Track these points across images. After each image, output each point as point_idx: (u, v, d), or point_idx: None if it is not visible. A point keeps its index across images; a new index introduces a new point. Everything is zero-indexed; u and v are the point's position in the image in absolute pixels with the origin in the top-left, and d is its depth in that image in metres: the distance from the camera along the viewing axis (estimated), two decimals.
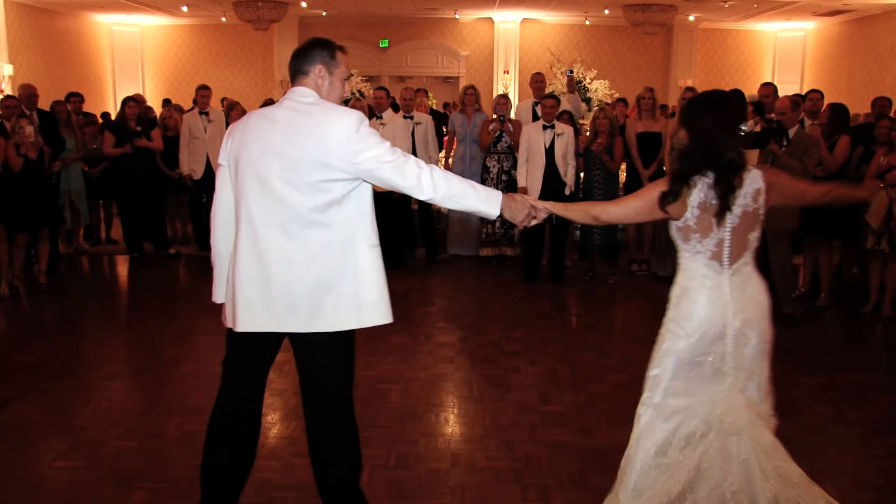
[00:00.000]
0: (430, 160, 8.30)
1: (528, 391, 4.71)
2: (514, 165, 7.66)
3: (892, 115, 7.54)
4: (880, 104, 7.69)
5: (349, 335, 2.78)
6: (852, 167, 6.51)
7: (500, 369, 5.09)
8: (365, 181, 2.69)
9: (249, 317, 2.73)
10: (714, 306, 2.77)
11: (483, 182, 7.98)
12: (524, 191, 7.32)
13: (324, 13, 16.53)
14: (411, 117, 8.04)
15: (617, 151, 7.36)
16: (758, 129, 5.96)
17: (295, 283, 2.66)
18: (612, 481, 3.55)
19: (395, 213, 7.84)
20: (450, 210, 8.32)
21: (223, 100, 10.66)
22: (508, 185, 7.60)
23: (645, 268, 7.84)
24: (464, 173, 8.16)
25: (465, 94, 8.39)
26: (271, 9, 14.92)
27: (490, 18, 16.93)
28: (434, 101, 12.02)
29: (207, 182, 8.75)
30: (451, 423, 4.23)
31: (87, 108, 10.11)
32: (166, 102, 14.08)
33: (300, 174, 2.62)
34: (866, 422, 4.34)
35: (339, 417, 2.86)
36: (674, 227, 2.79)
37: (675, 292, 2.87)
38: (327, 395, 2.83)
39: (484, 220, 8.05)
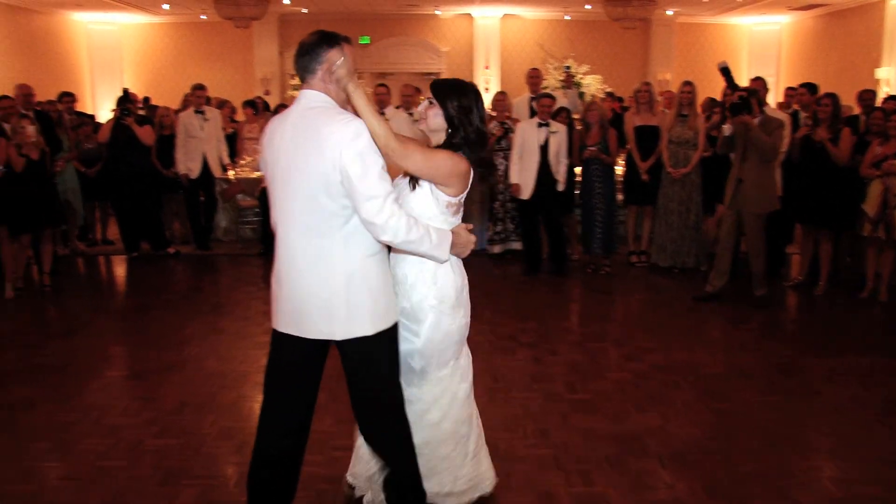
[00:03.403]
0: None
1: (553, 380, 4.81)
2: None
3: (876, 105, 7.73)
4: (866, 96, 7.89)
5: (375, 340, 2.75)
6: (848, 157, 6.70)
7: (520, 360, 5.19)
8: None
9: (277, 318, 2.81)
10: (459, 271, 3.08)
11: (489, 179, 8.07)
12: (517, 188, 7.42)
13: (305, 10, 16.50)
14: (412, 113, 8.11)
15: (612, 144, 7.50)
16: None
17: (304, 290, 2.71)
18: (649, 464, 3.70)
19: None
20: None
21: (208, 99, 10.62)
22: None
23: (645, 259, 7.98)
24: None
25: None
26: (252, 6, 14.83)
27: (470, 14, 17.00)
28: (423, 98, 12.08)
29: (204, 181, 8.76)
30: (485, 414, 4.30)
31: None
32: (146, 101, 13.99)
33: (310, 185, 2.61)
34: (882, 402, 4.51)
35: (383, 424, 2.90)
36: (446, 201, 2.86)
37: (429, 268, 2.93)
38: (364, 402, 2.87)
39: (491, 218, 8.14)
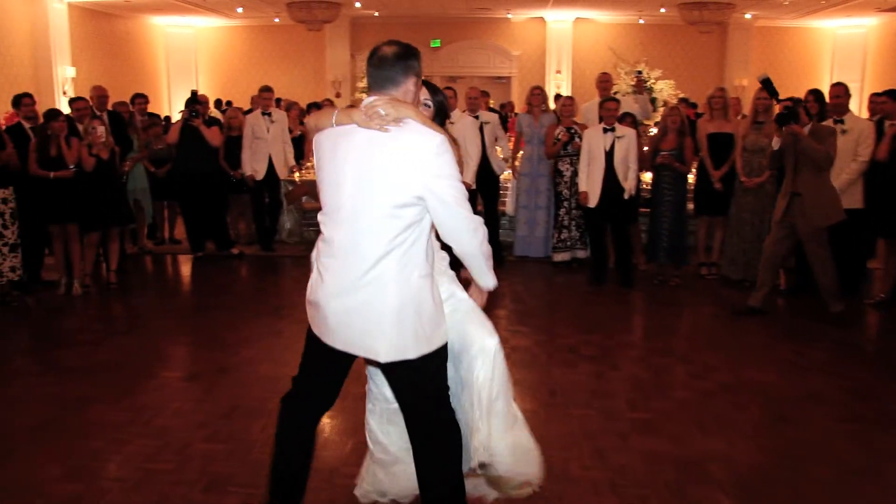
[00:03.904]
0: (502, 156, 8.27)
1: (614, 397, 4.61)
2: None
3: None
4: None
5: (420, 362, 2.64)
6: None
7: (581, 374, 4.99)
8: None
9: (318, 327, 2.75)
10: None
11: (556, 186, 7.88)
12: (585, 196, 7.22)
13: (376, 13, 16.57)
14: (478, 116, 7.99)
15: (687, 153, 7.21)
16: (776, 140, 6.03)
17: (353, 308, 2.64)
18: (711, 492, 3.47)
19: None
20: (518, 211, 8.23)
21: (278, 100, 10.71)
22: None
23: (715, 271, 7.66)
24: (531, 175, 8.08)
25: (532, 94, 8.29)
26: (324, 9, 15.00)
27: (542, 18, 16.81)
28: (493, 101, 11.94)
29: (269, 182, 8.81)
30: (539, 431, 4.13)
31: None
32: (218, 103, 14.26)
33: (385, 200, 2.53)
34: None
35: (433, 442, 2.77)
36: None
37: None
38: (413, 421, 2.78)
39: (556, 225, 7.95)
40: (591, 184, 7.19)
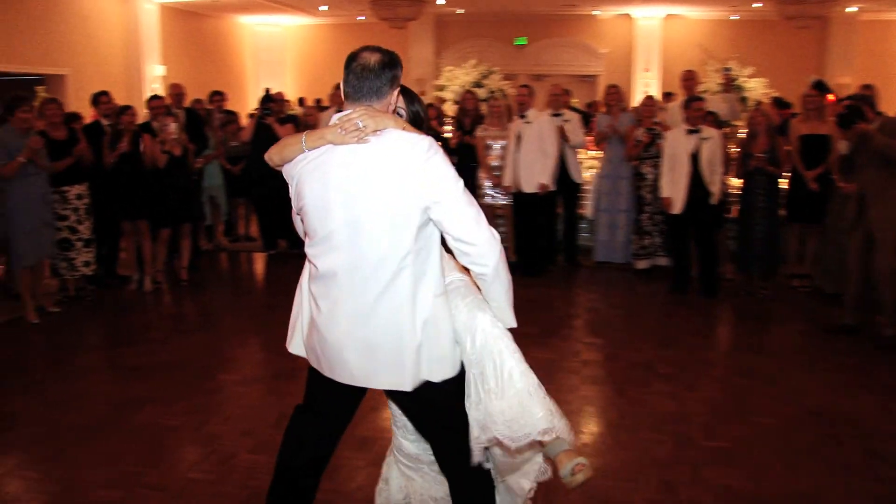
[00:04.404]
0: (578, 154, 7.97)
1: (688, 421, 4.24)
2: None
3: None
4: None
5: (442, 385, 2.42)
6: None
7: (654, 394, 4.63)
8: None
9: (322, 364, 2.53)
10: None
11: (637, 190, 7.50)
12: (668, 202, 6.83)
13: (460, 11, 16.37)
14: (560, 114, 7.66)
15: (780, 153, 6.71)
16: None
17: (366, 338, 2.42)
18: None
19: (538, 217, 7.49)
20: (597, 213, 7.87)
21: None
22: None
23: (807, 283, 7.13)
24: (611, 176, 7.72)
25: (608, 93, 7.93)
26: (408, 6, 14.85)
27: (629, 15, 16.27)
28: (577, 101, 11.55)
29: None
30: (603, 456, 3.83)
31: (231, 106, 10.32)
32: (301, 101, 14.34)
33: (387, 215, 2.33)
34: None
35: (455, 465, 2.53)
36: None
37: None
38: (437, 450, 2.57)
39: (637, 230, 7.56)
40: (674, 189, 6.78)
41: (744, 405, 4.49)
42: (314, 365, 2.51)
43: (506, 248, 8.26)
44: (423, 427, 2.55)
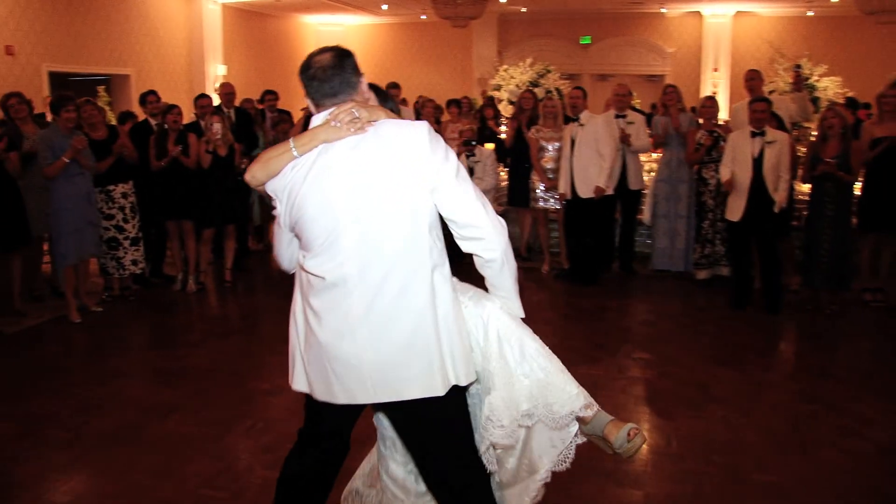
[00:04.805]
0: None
1: (740, 452, 3.87)
2: None
3: None
4: None
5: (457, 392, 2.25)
6: None
7: (705, 419, 4.28)
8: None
9: (333, 390, 2.36)
10: None
11: (699, 195, 7.10)
12: (729, 181, 6.35)
13: (523, 9, 16.09)
14: (624, 116, 7.31)
15: (853, 159, 6.23)
16: None
17: (387, 346, 2.26)
18: None
19: (594, 222, 7.15)
20: (656, 219, 7.49)
21: (420, 97, 10.50)
22: (727, 198, 6.60)
23: (881, 298, 6.62)
24: (670, 179, 7.36)
25: (666, 93, 7.54)
26: (470, 5, 14.65)
27: (698, 12, 15.73)
28: (639, 101, 11.15)
29: None
30: (644, 487, 3.53)
31: (289, 105, 10.28)
32: None
33: (394, 209, 2.23)
34: None
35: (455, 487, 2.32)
36: None
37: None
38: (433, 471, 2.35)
39: (698, 238, 7.16)
40: (733, 196, 6.36)
41: (804, 436, 4.09)
42: (321, 396, 2.29)
43: (557, 255, 7.85)
44: (423, 444, 2.31)
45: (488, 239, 2.17)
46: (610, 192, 7.12)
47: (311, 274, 2.21)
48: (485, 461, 2.33)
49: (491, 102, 10.36)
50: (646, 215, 7.80)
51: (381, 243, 2.12)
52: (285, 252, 2.39)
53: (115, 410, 4.46)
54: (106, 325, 6.16)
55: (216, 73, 14.22)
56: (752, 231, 6.37)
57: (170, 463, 3.76)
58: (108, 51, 11.89)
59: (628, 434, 2.24)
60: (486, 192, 8.12)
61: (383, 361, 2.15)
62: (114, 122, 8.00)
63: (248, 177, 2.26)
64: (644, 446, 2.23)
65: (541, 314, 6.57)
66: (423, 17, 16.79)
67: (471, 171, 7.95)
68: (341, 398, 2.23)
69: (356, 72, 2.25)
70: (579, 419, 2.32)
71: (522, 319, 2.35)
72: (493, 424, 2.26)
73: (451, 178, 2.13)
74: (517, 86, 11.37)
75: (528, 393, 2.25)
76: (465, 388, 2.28)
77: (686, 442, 4.01)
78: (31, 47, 10.29)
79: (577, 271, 7.32)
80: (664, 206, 7.49)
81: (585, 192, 7.03)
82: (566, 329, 6.20)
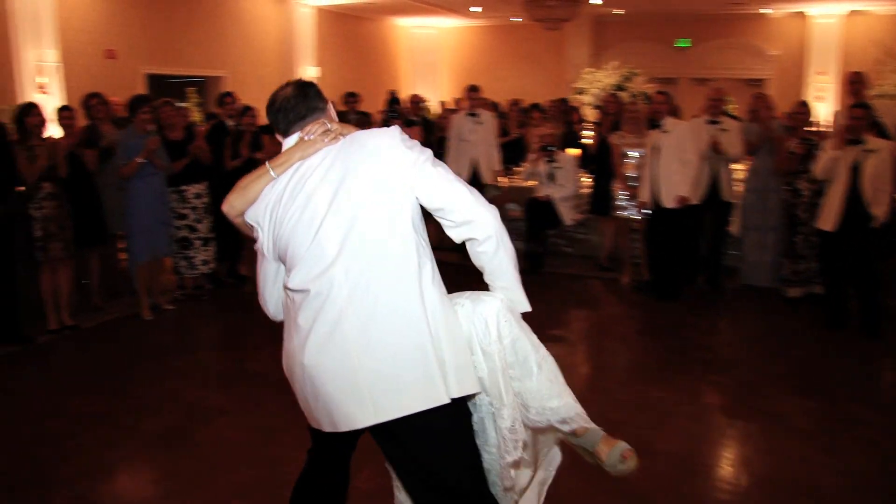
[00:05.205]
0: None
1: (823, 497, 3.50)
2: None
3: None
4: None
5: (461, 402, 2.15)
6: None
7: (784, 458, 3.88)
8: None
9: (336, 419, 2.28)
10: None
11: (791, 208, 6.61)
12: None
13: (620, 11, 15.65)
14: (717, 122, 6.88)
15: None
16: None
17: (384, 359, 2.19)
18: None
19: (677, 233, 6.75)
20: (745, 231, 7.05)
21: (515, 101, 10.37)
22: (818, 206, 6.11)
23: None
24: (759, 190, 6.91)
25: (755, 98, 7.08)
26: (563, 7, 14.34)
27: (803, 13, 14.90)
28: (735, 106, 10.61)
29: (473, 187, 8.36)
30: None
31: (373, 108, 10.29)
32: (443, 105, 14.18)
33: (375, 214, 2.22)
34: None
35: None
36: None
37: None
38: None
39: (789, 253, 6.66)
40: (827, 209, 5.88)
41: (894, 479, 3.69)
42: (327, 428, 2.18)
43: (638, 266, 7.42)
44: (422, 471, 2.15)
45: (478, 219, 2.12)
46: (695, 201, 6.72)
47: (297, 291, 2.09)
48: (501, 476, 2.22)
49: (574, 107, 10.08)
50: (735, 227, 7.35)
51: (367, 244, 2.06)
52: (271, 292, 2.34)
53: (165, 412, 4.47)
54: (175, 323, 6.24)
55: (308, 75, 14.43)
56: (848, 245, 5.87)
57: (212, 470, 3.72)
58: (202, 53, 12.19)
59: (621, 455, 2.15)
60: (566, 198, 7.84)
61: (379, 371, 2.02)
62: (199, 123, 8.14)
63: (225, 207, 2.25)
64: (636, 465, 2.16)
65: (615, 328, 6.27)
66: (515, 19, 16.58)
67: (551, 177, 7.70)
68: (342, 426, 2.09)
69: (321, 98, 2.28)
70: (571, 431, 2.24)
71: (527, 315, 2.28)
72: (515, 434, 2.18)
73: (428, 167, 2.11)
74: (602, 89, 11.01)
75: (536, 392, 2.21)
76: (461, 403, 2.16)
77: (759, 481, 3.64)
78: (129, 50, 10.63)
79: (657, 284, 6.95)
80: (753, 217, 7.04)
81: (668, 201, 6.66)
82: (639, 346, 5.88)
